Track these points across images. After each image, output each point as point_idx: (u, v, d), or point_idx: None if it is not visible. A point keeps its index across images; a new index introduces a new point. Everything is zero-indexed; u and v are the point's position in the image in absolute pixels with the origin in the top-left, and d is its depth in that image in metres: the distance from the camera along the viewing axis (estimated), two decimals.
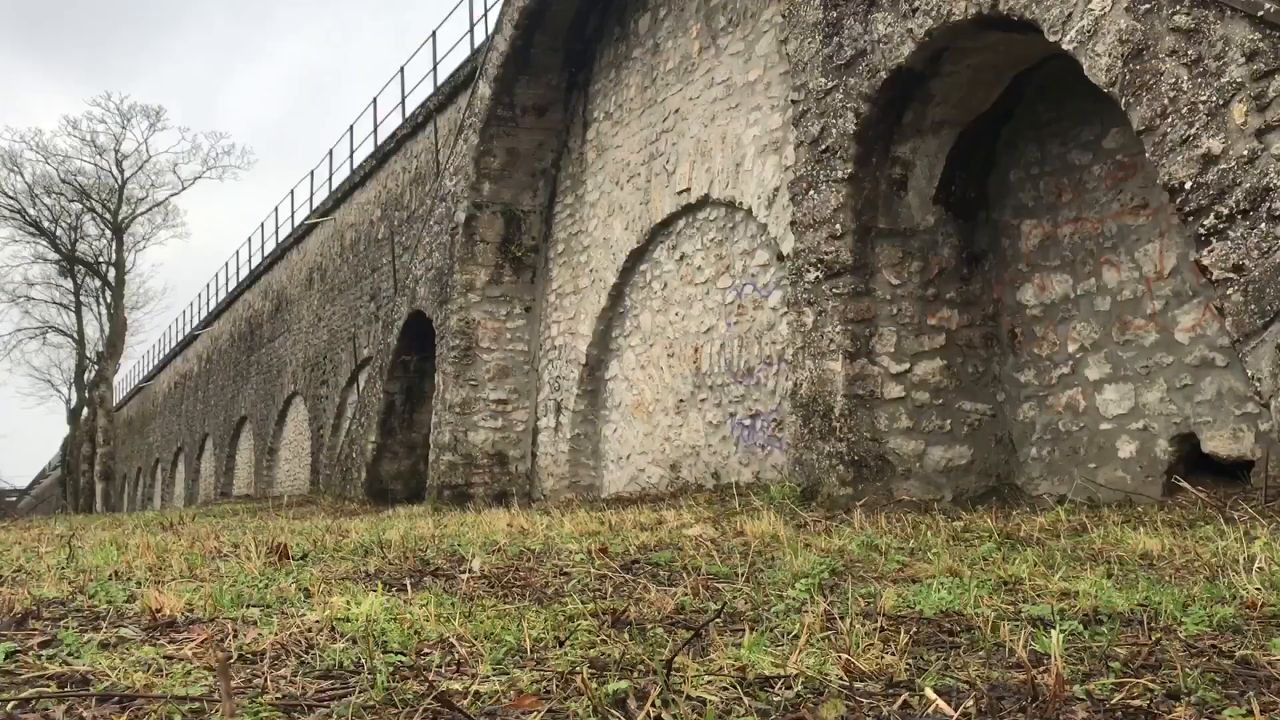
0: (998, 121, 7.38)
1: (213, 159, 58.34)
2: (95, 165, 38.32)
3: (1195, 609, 2.70)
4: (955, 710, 1.80)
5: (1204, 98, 4.86)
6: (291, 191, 28.92)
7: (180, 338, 41.14)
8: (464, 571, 3.78)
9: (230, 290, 34.37)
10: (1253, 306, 4.62)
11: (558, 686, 1.99)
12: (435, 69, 19.37)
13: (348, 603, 2.87)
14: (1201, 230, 4.85)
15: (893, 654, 2.24)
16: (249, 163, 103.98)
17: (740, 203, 9.68)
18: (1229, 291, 4.72)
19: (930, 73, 6.89)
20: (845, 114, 7.22)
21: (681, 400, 10.75)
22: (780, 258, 9.01)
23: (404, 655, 2.26)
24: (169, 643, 2.42)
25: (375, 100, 22.68)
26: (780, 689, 1.97)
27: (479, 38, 17.15)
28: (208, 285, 39.76)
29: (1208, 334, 6.07)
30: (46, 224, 38.04)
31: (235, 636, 2.47)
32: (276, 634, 2.46)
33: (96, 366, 37.15)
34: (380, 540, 5.10)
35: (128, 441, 47.76)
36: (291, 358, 26.25)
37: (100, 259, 38.74)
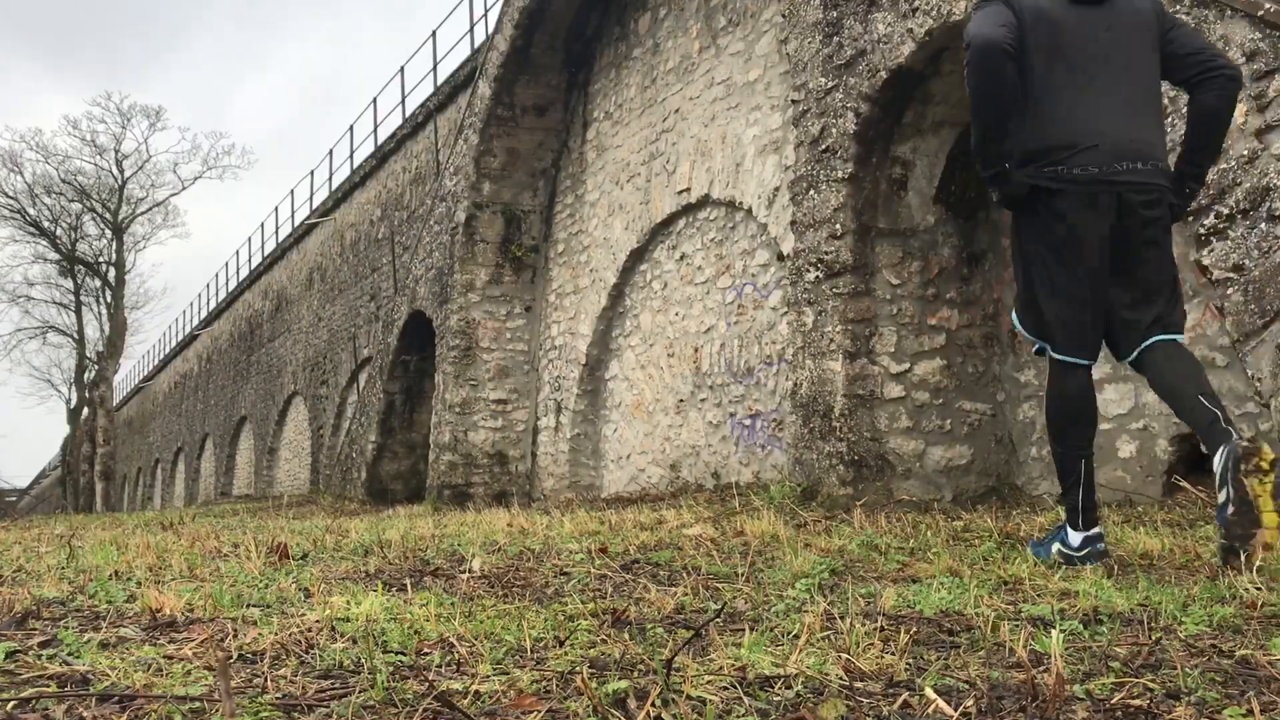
0: None
1: (213, 159, 58.54)
2: (95, 165, 38.39)
3: (1195, 609, 2.70)
4: (955, 710, 1.80)
5: None
6: (291, 191, 28.94)
7: (180, 338, 41.16)
8: (464, 571, 3.78)
9: (230, 290, 34.39)
10: (1253, 306, 4.62)
11: (558, 686, 1.99)
12: (435, 69, 19.39)
13: (348, 602, 2.87)
14: (1201, 230, 4.84)
15: (893, 654, 2.24)
16: (249, 162, 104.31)
17: (740, 202, 9.68)
18: (1229, 291, 4.73)
19: (930, 72, 6.89)
20: (845, 114, 7.22)
21: (681, 400, 10.75)
22: (780, 258, 9.01)
23: (404, 655, 2.26)
24: (169, 642, 2.42)
25: (375, 100, 22.70)
26: (780, 689, 1.97)
27: (479, 37, 17.16)
28: (208, 285, 39.83)
29: (1208, 334, 6.07)
30: (46, 224, 38.07)
31: (235, 636, 2.47)
32: (276, 634, 2.46)
33: (96, 366, 37.14)
34: (380, 540, 5.10)
35: (128, 441, 47.76)
36: (291, 358, 26.25)
37: (100, 259, 38.77)
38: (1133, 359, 3.57)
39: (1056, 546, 3.65)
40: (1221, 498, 3.19)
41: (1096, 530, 3.63)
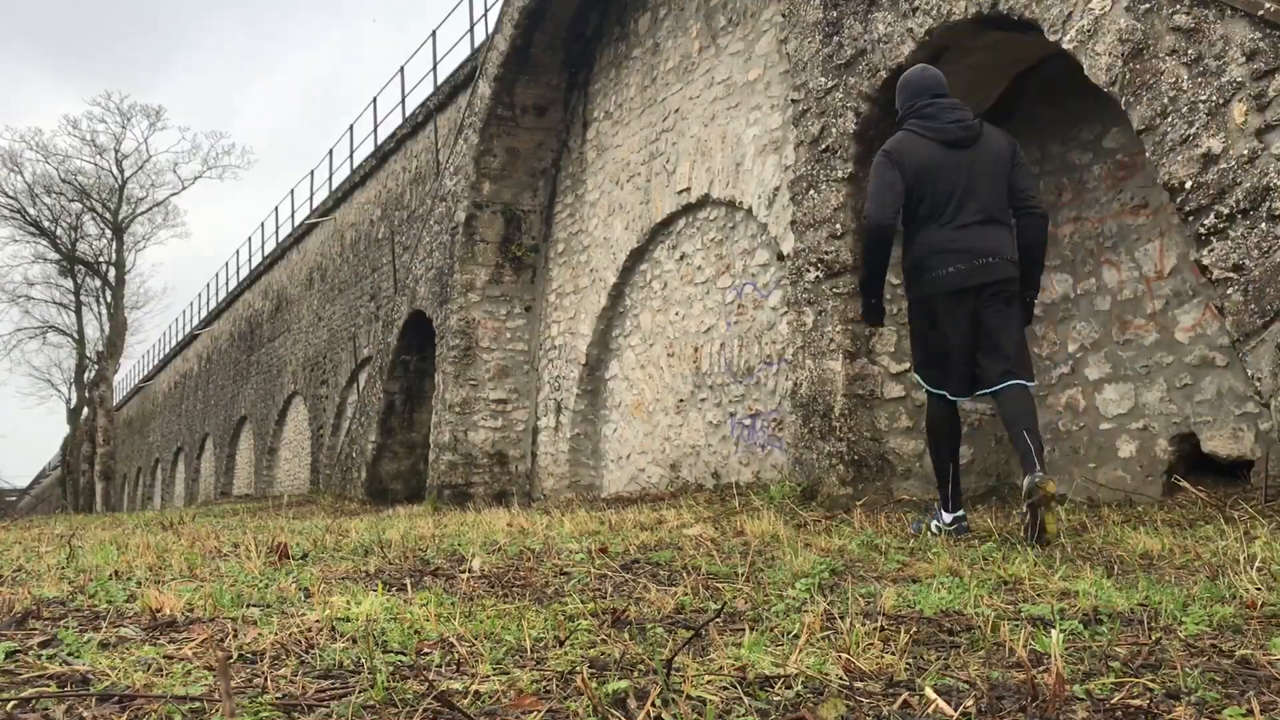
0: (998, 120, 7.37)
1: (213, 158, 58.63)
2: (95, 165, 38.41)
3: (1195, 609, 2.70)
4: (955, 710, 1.80)
5: (1204, 97, 4.86)
6: (291, 191, 28.92)
7: (180, 338, 41.16)
8: (464, 571, 3.78)
9: (230, 290, 34.38)
10: (1253, 306, 4.62)
11: (558, 686, 1.99)
12: (435, 69, 19.39)
13: (348, 602, 2.87)
14: (1201, 230, 4.84)
15: (893, 654, 2.24)
16: (249, 162, 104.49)
17: (740, 202, 9.68)
18: (1229, 291, 4.72)
19: None
20: (845, 113, 7.22)
21: (681, 400, 10.75)
22: (780, 257, 9.00)
23: (404, 655, 2.26)
24: (169, 642, 2.43)
25: (375, 100, 22.69)
26: (780, 689, 1.97)
27: (479, 37, 17.16)
28: (208, 285, 39.84)
29: (1208, 334, 6.07)
30: (46, 224, 38.09)
31: (235, 636, 2.47)
32: (276, 634, 2.46)
33: (96, 366, 37.16)
34: (380, 540, 5.10)
35: (128, 441, 47.76)
36: (291, 357, 26.24)
37: (100, 259, 38.80)
38: (990, 392, 4.80)
39: (933, 524, 4.89)
40: (1023, 509, 4.52)
41: (961, 512, 4.92)
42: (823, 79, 7.46)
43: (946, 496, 4.87)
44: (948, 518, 4.85)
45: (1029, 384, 4.76)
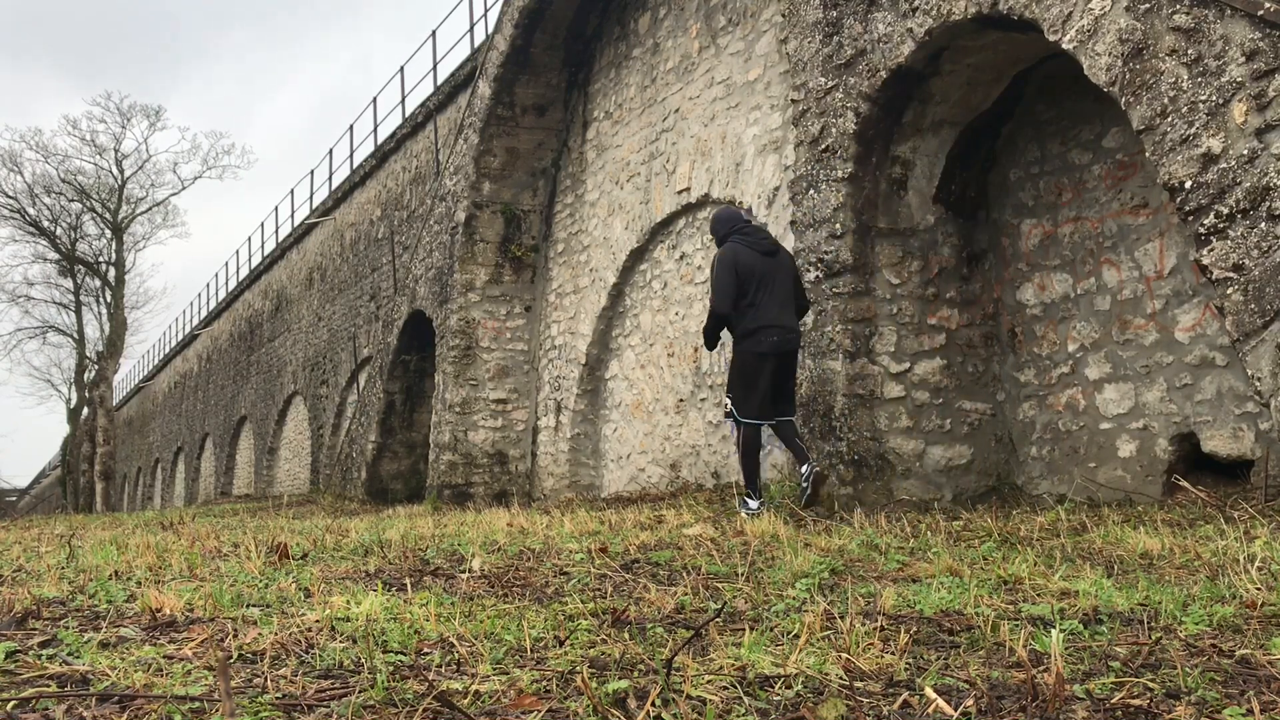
0: (998, 120, 7.38)
1: (212, 159, 58.35)
2: (95, 165, 38.33)
3: (1195, 608, 2.71)
4: (955, 709, 1.80)
5: (1204, 97, 4.86)
6: (291, 191, 28.90)
7: (180, 337, 41.15)
8: (464, 571, 3.78)
9: (230, 290, 34.37)
10: (1253, 305, 4.62)
11: (558, 686, 1.99)
12: (435, 68, 19.38)
13: (348, 602, 2.87)
14: (1201, 229, 4.85)
15: (893, 653, 2.24)
16: (249, 162, 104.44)
17: (740, 202, 9.67)
18: (1229, 291, 4.73)
19: (930, 72, 6.89)
20: (845, 113, 7.21)
21: (681, 400, 10.75)
22: None
23: (404, 655, 2.26)
24: (169, 642, 2.43)
25: (375, 100, 22.67)
26: (780, 688, 1.97)
27: (479, 37, 17.15)
28: (208, 285, 39.81)
29: (1208, 333, 6.07)
30: (46, 224, 38.01)
31: (235, 636, 2.47)
32: (276, 634, 2.46)
33: (96, 366, 37.12)
34: (380, 540, 5.10)
35: (128, 441, 47.76)
36: (291, 357, 26.24)
37: (100, 259, 38.72)
38: (776, 420, 6.84)
39: (745, 511, 6.63)
40: (804, 487, 6.54)
41: (762, 499, 6.85)
42: (823, 79, 7.46)
43: (757, 489, 6.84)
44: (755, 504, 6.71)
45: (795, 417, 6.98)
